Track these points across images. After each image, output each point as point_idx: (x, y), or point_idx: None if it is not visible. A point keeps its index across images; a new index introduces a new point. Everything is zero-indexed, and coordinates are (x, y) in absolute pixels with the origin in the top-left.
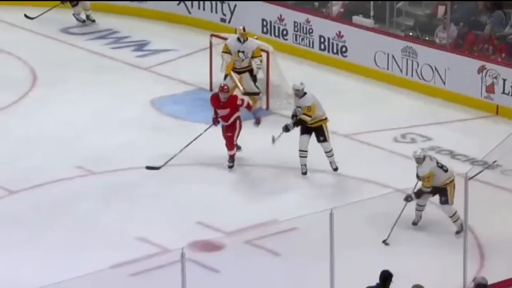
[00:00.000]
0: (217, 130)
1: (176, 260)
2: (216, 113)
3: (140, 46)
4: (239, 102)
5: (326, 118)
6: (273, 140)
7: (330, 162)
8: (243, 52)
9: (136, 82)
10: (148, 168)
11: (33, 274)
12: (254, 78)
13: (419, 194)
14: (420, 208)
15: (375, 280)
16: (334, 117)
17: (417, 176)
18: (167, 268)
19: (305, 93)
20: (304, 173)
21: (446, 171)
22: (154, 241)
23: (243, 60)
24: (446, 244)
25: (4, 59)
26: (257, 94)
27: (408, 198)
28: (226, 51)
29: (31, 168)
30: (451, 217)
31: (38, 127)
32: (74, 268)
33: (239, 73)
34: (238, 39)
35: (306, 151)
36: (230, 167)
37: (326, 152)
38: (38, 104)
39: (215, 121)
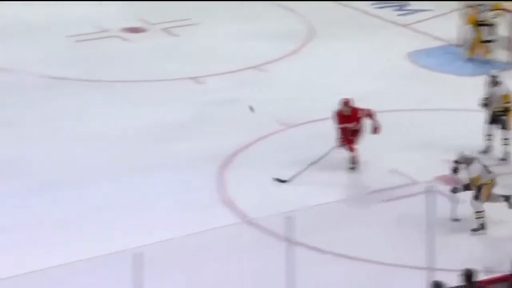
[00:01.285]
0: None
1: (423, 190)
2: (341, 133)
3: (401, 6)
4: (359, 114)
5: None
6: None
7: (505, 152)
8: (482, 5)
9: (396, 37)
10: (276, 180)
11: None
12: (492, 32)
13: (466, 188)
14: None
15: None
16: None
17: (455, 171)
18: (416, 197)
19: (500, 82)
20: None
21: (489, 172)
22: (406, 173)
23: (481, 12)
24: None
25: (287, 15)
26: (490, 42)
27: (455, 190)
28: (469, 5)
29: (304, 107)
30: (475, 213)
31: (313, 73)
32: (331, 189)
33: (480, 25)
34: None
35: (491, 134)
36: (352, 168)
37: (502, 139)
38: (314, 54)
39: (341, 143)
